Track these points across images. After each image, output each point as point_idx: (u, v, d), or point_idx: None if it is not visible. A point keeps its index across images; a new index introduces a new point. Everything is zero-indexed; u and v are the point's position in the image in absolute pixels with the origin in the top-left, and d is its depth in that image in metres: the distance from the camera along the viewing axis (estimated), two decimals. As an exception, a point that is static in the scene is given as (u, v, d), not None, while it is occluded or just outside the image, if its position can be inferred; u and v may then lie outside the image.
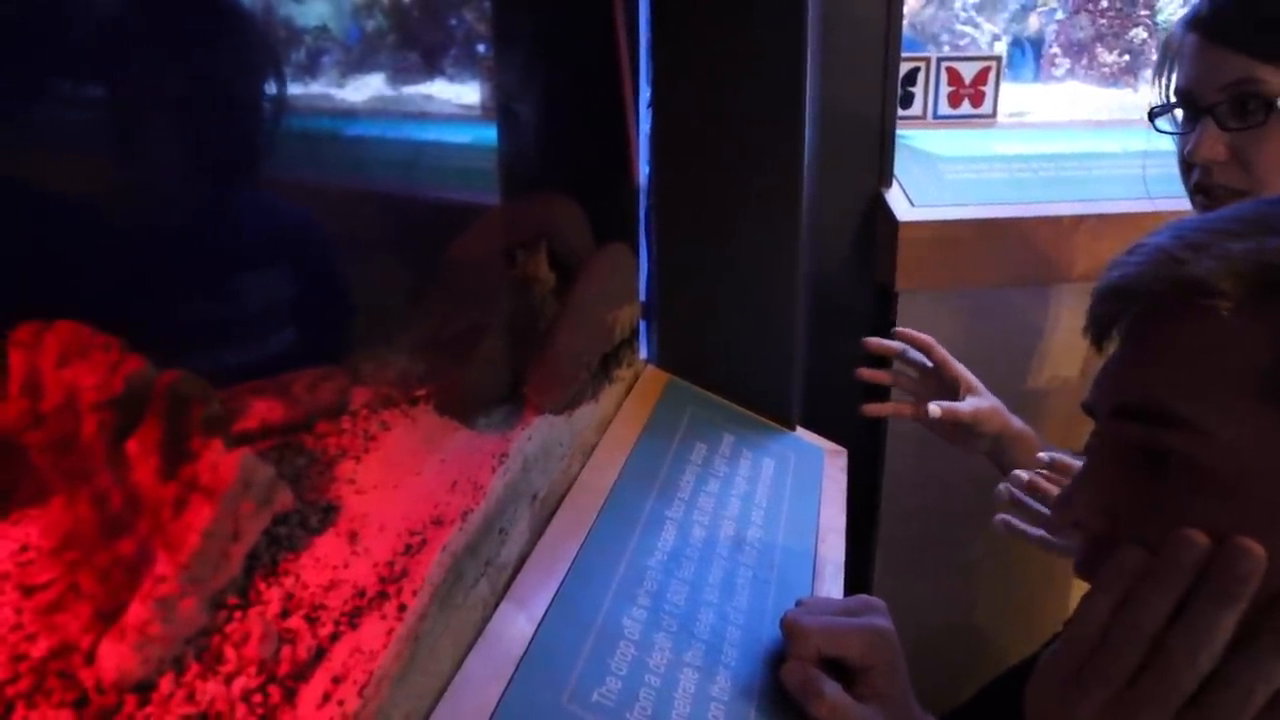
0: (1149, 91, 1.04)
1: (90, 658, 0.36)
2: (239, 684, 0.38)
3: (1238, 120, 0.89)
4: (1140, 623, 0.45)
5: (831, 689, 0.59)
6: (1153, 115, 1.00)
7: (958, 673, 1.27)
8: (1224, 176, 0.91)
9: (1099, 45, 1.76)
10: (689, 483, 0.77)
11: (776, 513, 0.79)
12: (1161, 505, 0.48)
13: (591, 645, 0.57)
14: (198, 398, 0.43)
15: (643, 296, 0.92)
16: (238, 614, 0.40)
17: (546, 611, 0.57)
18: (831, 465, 0.91)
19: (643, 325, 0.92)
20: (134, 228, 0.45)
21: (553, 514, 0.65)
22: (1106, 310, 0.51)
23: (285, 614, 0.41)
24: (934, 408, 1.01)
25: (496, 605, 0.56)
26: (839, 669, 0.61)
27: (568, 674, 0.54)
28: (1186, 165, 0.96)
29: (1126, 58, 1.75)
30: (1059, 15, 1.76)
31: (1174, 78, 0.98)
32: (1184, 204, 1.05)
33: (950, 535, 1.46)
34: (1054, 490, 0.89)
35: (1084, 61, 1.76)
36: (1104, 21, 1.75)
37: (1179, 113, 0.98)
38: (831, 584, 0.74)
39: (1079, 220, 1.34)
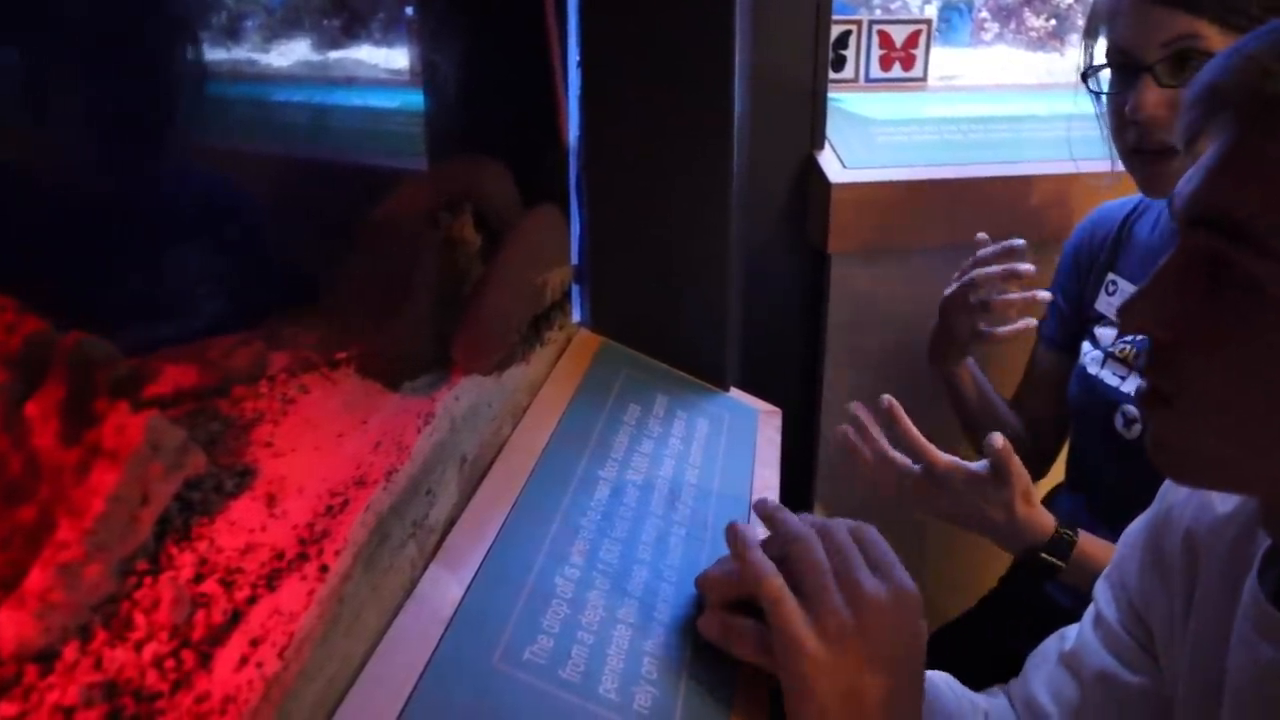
0: (1076, 55, 1.05)
1: (-10, 628, 0.35)
2: (150, 650, 0.37)
3: (1176, 78, 0.90)
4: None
5: (747, 625, 0.58)
6: (1085, 75, 1.01)
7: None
8: (1162, 134, 0.92)
9: (1027, 10, 1.78)
10: (622, 443, 0.77)
11: (710, 472, 0.79)
12: (1221, 324, 0.48)
13: (523, 605, 0.56)
14: (103, 360, 0.42)
15: (575, 260, 0.91)
16: (148, 579, 0.39)
17: (477, 572, 0.57)
18: (766, 425, 0.92)
19: (575, 289, 0.92)
20: (38, 191, 0.44)
21: (483, 476, 0.65)
22: (1192, 113, 0.50)
23: (199, 578, 0.40)
24: None
25: (425, 567, 0.55)
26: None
27: (499, 634, 0.54)
28: (1120, 125, 0.97)
29: (1053, 22, 1.77)
30: (988, -21, 1.78)
31: (1104, 39, 0.99)
32: (1106, 165, 1.07)
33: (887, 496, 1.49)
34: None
35: (1012, 26, 1.78)
36: (1032, -14, 1.77)
37: (1105, 75, 0.99)
38: (765, 540, 0.75)
39: (1007, 181, 1.37)
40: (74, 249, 0.44)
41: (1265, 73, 0.46)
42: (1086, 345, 1.11)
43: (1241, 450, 0.50)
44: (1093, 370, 1.08)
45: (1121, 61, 0.95)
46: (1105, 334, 1.09)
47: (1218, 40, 0.88)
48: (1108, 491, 1.08)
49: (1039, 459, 1.22)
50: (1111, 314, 1.09)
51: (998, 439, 0.90)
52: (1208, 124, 0.50)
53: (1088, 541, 0.92)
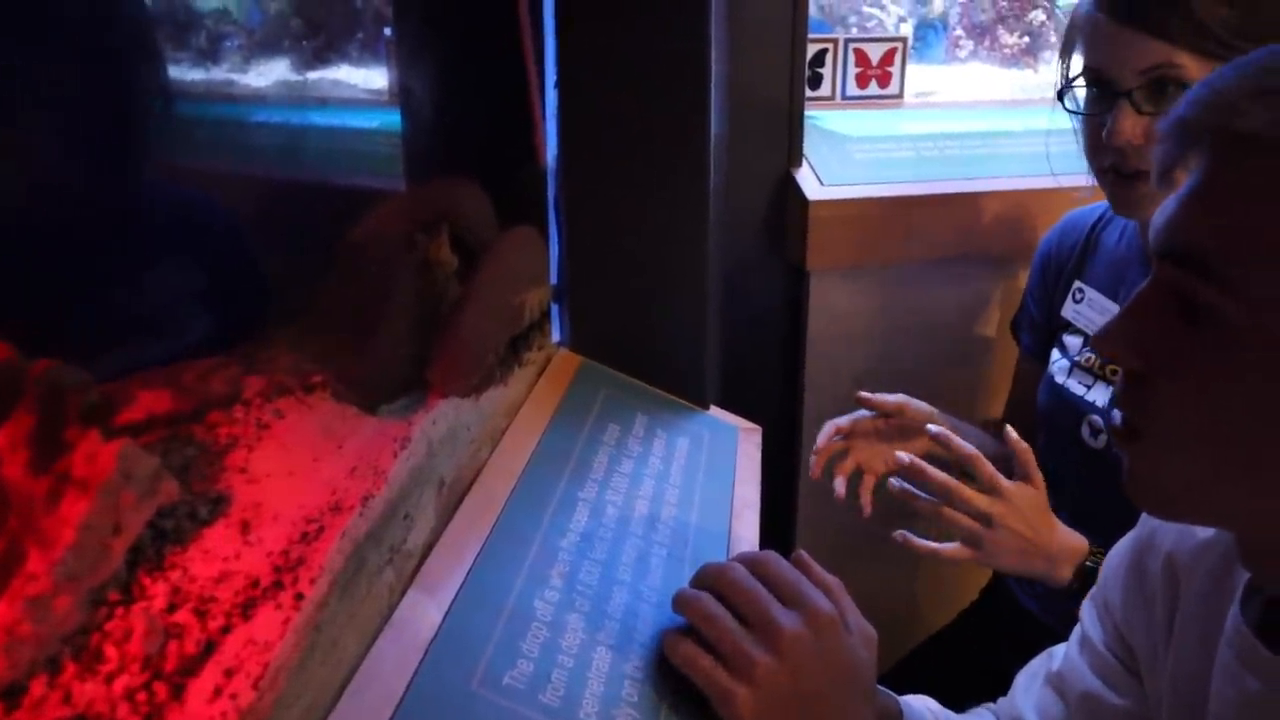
0: (1049, 72, 1.05)
1: (-44, 663, 0.34)
2: (121, 682, 0.36)
3: (1154, 104, 0.90)
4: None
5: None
6: (1061, 94, 1.01)
7: (881, 641, 1.30)
8: (1139, 160, 0.92)
9: (1000, 27, 1.80)
10: (602, 464, 0.76)
11: (691, 491, 0.79)
12: (1191, 355, 0.48)
13: (502, 629, 0.56)
14: (74, 388, 0.41)
15: (554, 280, 0.91)
16: (119, 610, 0.38)
17: (455, 596, 0.56)
18: (746, 443, 0.92)
19: (554, 309, 0.91)
20: (6, 214, 0.43)
21: (461, 499, 0.64)
22: (1165, 145, 0.50)
23: (172, 608, 0.40)
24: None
25: (404, 592, 0.55)
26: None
27: (478, 658, 0.53)
28: (1096, 146, 0.97)
29: (1026, 39, 1.79)
30: (961, -2, 1.80)
31: (1080, 56, 0.99)
32: (1083, 179, 1.08)
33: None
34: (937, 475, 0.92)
35: (986, 43, 1.80)
36: (1005, 4, 1.79)
37: (1081, 93, 0.99)
38: (746, 559, 0.75)
39: (984, 197, 1.38)
40: (44, 273, 0.44)
41: (1235, 109, 0.46)
42: (1055, 353, 1.12)
43: (1213, 482, 0.50)
44: (1060, 379, 1.09)
45: (1098, 83, 0.95)
46: (1073, 341, 1.10)
47: (1194, 68, 0.88)
48: (1074, 500, 1.09)
49: None
50: (1078, 321, 1.11)
51: (1011, 432, 0.91)
52: (1181, 158, 0.50)
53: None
